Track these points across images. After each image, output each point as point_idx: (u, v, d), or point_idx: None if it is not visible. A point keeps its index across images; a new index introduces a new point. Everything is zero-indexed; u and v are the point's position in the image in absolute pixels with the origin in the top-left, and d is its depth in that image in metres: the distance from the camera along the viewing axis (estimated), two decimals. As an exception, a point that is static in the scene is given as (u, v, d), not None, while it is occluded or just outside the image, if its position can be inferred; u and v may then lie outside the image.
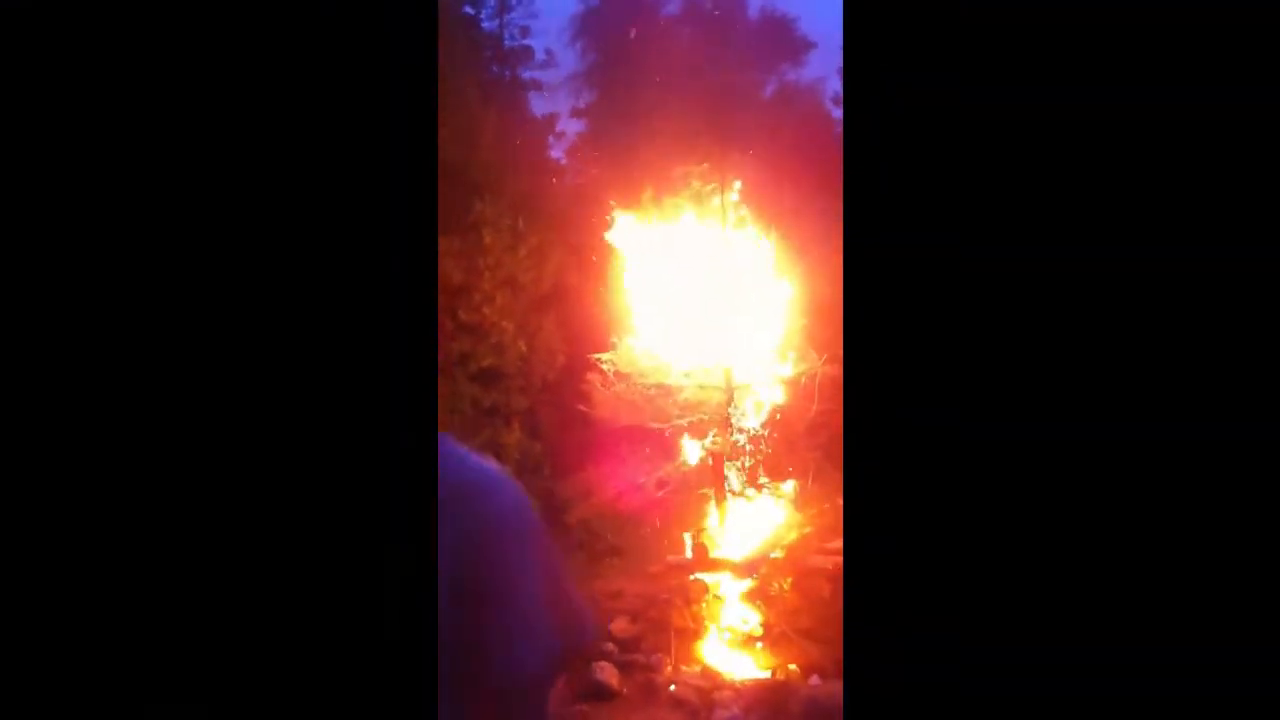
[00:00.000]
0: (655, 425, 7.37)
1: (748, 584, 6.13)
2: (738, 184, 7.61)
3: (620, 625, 5.71)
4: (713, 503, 7.16)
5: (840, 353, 7.27)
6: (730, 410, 7.19)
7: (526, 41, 13.68)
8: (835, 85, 13.92)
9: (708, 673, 5.01)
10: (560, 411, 9.45)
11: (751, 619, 5.69)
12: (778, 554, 6.50)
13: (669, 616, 5.75)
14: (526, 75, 13.73)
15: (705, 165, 7.76)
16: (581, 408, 7.86)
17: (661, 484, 7.50)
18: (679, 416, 7.26)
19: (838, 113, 13.00)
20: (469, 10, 12.56)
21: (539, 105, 13.44)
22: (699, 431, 7.29)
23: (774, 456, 7.29)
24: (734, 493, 7.02)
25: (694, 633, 5.56)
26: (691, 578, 6.36)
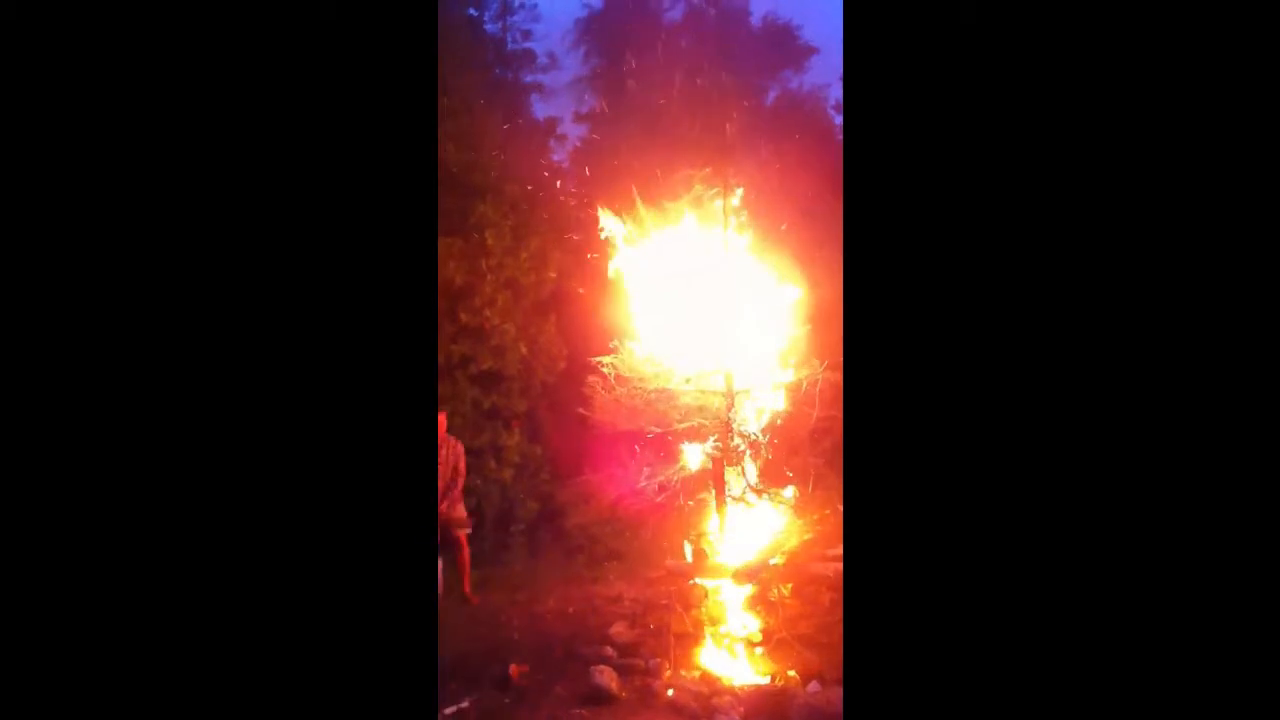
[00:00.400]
0: (656, 430, 7.35)
1: (748, 590, 6.12)
2: (740, 189, 7.60)
3: (619, 630, 5.69)
4: (713, 508, 7.14)
5: (840, 361, 7.24)
6: (731, 415, 7.17)
7: (529, 45, 13.69)
8: (837, 92, 13.92)
9: (707, 678, 4.99)
10: (560, 415, 9.43)
11: (751, 625, 5.67)
12: (777, 560, 6.49)
13: (668, 621, 5.74)
14: (529, 79, 13.73)
15: (708, 170, 7.75)
16: (582, 411, 7.84)
17: (661, 489, 7.48)
18: (680, 421, 7.24)
19: (840, 119, 13.00)
20: (472, 13, 12.57)
21: (541, 108, 13.46)
22: (699, 436, 7.27)
23: (775, 462, 7.27)
24: (734, 498, 7.00)
25: (693, 638, 5.54)
26: (691, 583, 6.35)
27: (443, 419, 7.31)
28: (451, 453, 7.21)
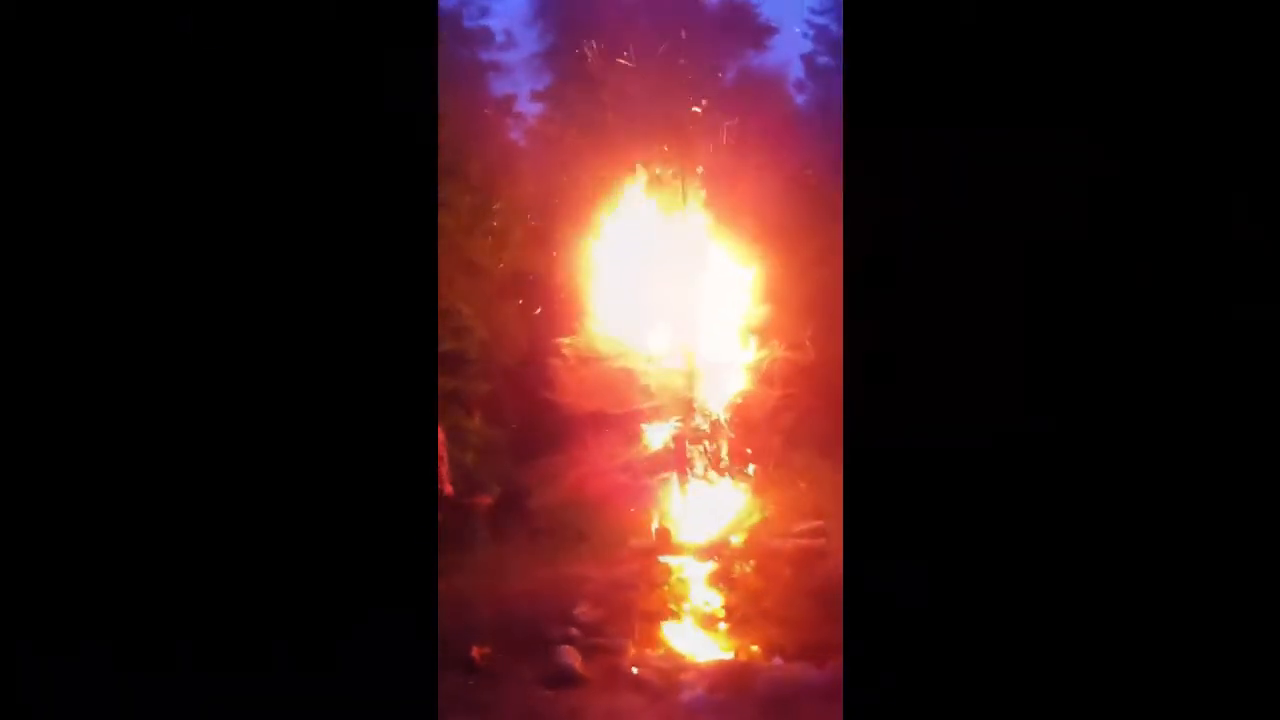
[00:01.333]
0: (618, 410, 7.35)
1: (710, 567, 6.17)
2: (699, 169, 7.59)
3: (584, 610, 5.70)
4: (676, 487, 7.18)
5: (800, 340, 7.34)
6: (692, 395, 7.20)
7: (485, 22, 13.44)
8: (797, 71, 13.91)
9: (671, 655, 5.03)
10: (522, 397, 9.36)
11: (714, 601, 5.73)
12: (738, 538, 6.55)
13: (632, 600, 5.77)
14: (485, 57, 13.49)
15: (666, 149, 7.72)
16: (544, 393, 7.81)
17: (624, 469, 7.49)
18: (642, 401, 7.25)
19: (800, 98, 13.01)
20: (427, -11, 12.33)
21: (498, 86, 13.24)
22: (662, 416, 7.29)
23: (736, 441, 7.32)
24: (697, 477, 7.04)
25: (657, 616, 5.58)
26: (656, 561, 6.38)
27: None
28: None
